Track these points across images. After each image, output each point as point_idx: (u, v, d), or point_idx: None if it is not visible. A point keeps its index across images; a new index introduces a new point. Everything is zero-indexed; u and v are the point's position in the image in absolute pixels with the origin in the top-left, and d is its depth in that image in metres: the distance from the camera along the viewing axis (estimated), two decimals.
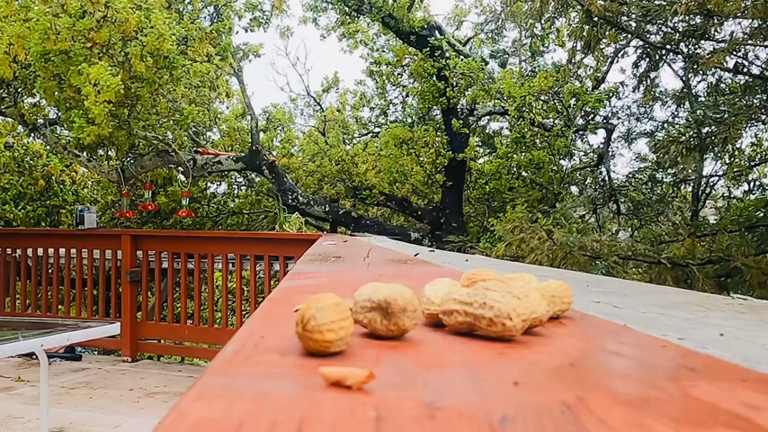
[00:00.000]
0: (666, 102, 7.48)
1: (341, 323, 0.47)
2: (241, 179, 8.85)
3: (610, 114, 8.02)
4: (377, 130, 9.69)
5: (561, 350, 0.51)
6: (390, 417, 0.33)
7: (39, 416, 2.77)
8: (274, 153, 8.36)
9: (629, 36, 6.12)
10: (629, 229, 7.54)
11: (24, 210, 7.43)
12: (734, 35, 5.13)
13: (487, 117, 8.75)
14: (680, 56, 6.12)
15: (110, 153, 7.26)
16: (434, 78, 7.33)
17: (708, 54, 4.87)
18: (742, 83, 5.61)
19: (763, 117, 5.01)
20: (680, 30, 5.32)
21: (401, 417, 0.33)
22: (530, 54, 8.94)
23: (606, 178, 7.82)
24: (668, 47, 5.77)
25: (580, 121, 7.49)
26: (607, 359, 0.50)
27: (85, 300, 5.90)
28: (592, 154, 8.36)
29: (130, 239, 5.07)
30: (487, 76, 7.70)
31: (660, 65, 6.64)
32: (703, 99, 6.49)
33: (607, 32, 5.55)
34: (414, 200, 7.71)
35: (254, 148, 7.04)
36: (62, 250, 5.52)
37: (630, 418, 0.33)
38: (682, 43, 5.57)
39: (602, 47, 6.11)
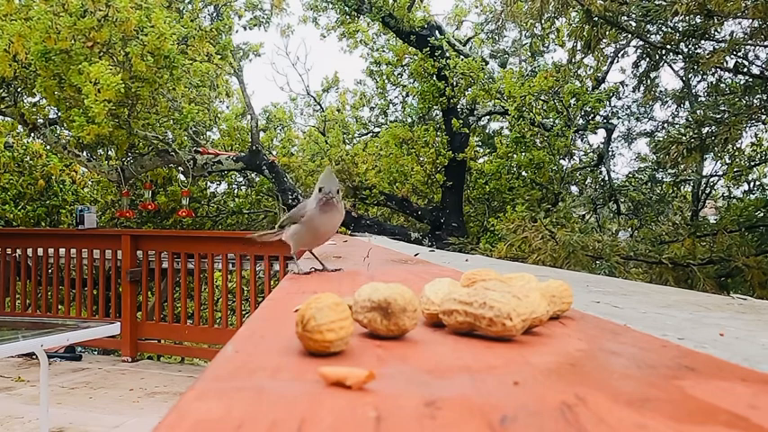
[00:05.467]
0: (666, 102, 7.48)
1: (341, 323, 0.47)
2: (241, 179, 8.85)
3: (610, 114, 8.02)
4: (377, 129, 9.68)
5: (561, 350, 0.51)
6: (390, 417, 0.33)
7: (39, 416, 2.77)
8: (274, 153, 8.36)
9: (629, 36, 6.12)
10: (630, 229, 7.54)
11: (24, 210, 7.43)
12: (734, 35, 5.13)
13: (487, 117, 8.74)
14: (680, 56, 6.12)
15: (110, 153, 7.26)
16: (434, 78, 7.32)
17: (708, 54, 4.87)
18: (742, 83, 5.61)
19: (763, 117, 5.00)
20: (680, 30, 5.32)
21: (401, 417, 0.33)
22: (530, 54, 8.93)
23: (606, 178, 7.82)
24: (668, 47, 5.76)
25: (580, 121, 7.49)
26: (607, 359, 0.50)
27: (85, 300, 5.90)
28: (592, 154, 8.36)
29: (130, 239, 5.07)
30: (487, 76, 7.69)
31: (660, 65, 6.64)
32: (703, 99, 6.49)
33: (607, 32, 5.55)
34: (414, 200, 7.70)
35: (254, 147, 7.04)
36: (62, 250, 5.52)
37: (630, 418, 0.33)
38: (682, 43, 5.56)
39: (602, 47, 6.11)
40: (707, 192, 7.89)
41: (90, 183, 8.63)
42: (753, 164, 7.22)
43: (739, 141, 5.86)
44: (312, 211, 1.27)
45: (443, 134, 7.54)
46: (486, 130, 9.18)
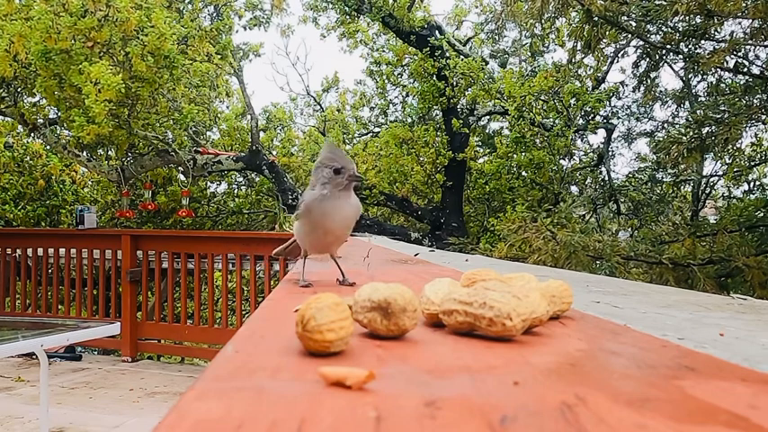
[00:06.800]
0: (666, 102, 7.48)
1: (341, 323, 0.47)
2: (241, 179, 8.85)
3: (610, 114, 8.02)
4: (377, 129, 9.69)
5: (561, 350, 0.51)
6: (390, 417, 0.33)
7: (39, 416, 2.77)
8: (274, 153, 8.36)
9: (630, 36, 6.12)
10: (630, 229, 7.54)
11: (24, 210, 7.43)
12: (734, 35, 5.13)
13: (487, 117, 8.74)
14: (680, 56, 6.12)
15: (110, 153, 7.27)
16: (434, 78, 7.33)
17: (708, 54, 4.87)
18: (742, 83, 5.61)
19: (763, 117, 5.00)
20: (680, 30, 5.32)
21: (401, 417, 0.33)
22: (530, 54, 8.93)
23: (606, 178, 7.82)
24: (668, 47, 5.77)
25: (580, 121, 7.49)
26: (607, 359, 0.50)
27: (85, 300, 5.90)
28: (592, 154, 8.36)
29: (130, 239, 5.07)
30: (487, 76, 7.70)
31: (660, 65, 6.64)
32: (703, 99, 6.49)
33: (607, 32, 5.55)
34: (414, 200, 7.71)
35: (254, 147, 7.04)
36: (62, 250, 5.52)
37: (630, 418, 0.33)
38: (682, 43, 5.57)
39: (602, 47, 6.11)
40: (707, 192, 7.89)
41: (90, 183, 8.63)
42: (753, 164, 7.23)
43: (739, 141, 5.87)
44: (312, 198, 0.95)
45: (443, 134, 7.54)
46: (486, 130, 9.19)
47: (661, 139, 5.73)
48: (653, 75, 6.74)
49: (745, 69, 5.49)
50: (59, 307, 5.70)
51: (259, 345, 0.52)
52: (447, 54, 7.36)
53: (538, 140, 7.31)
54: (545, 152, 7.11)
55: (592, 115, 7.69)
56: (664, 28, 5.57)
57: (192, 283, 6.19)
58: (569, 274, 1.89)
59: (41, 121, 6.45)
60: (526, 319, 0.53)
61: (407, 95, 9.10)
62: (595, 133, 8.05)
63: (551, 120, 7.46)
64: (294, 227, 1.04)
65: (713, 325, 0.76)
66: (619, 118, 8.14)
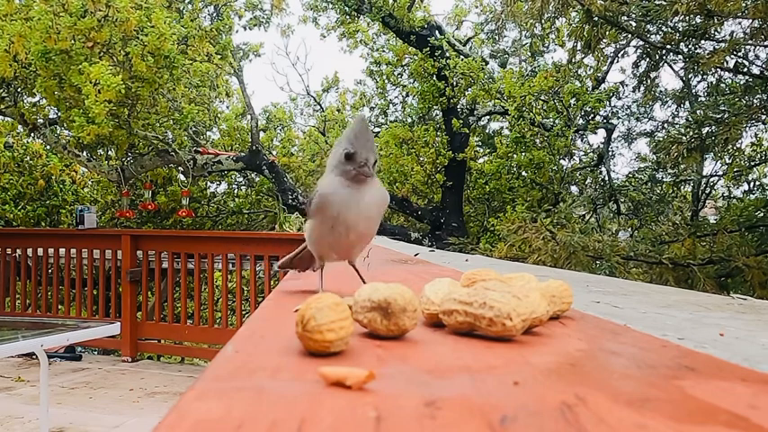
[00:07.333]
0: (666, 102, 7.48)
1: (341, 323, 0.47)
2: (241, 179, 8.85)
3: (610, 114, 8.02)
4: (377, 129, 9.68)
5: (561, 350, 0.51)
6: (390, 417, 0.33)
7: (39, 416, 2.77)
8: (274, 153, 8.36)
9: (630, 36, 6.12)
10: (630, 229, 7.54)
11: (24, 210, 7.43)
12: (734, 35, 5.13)
13: (487, 117, 8.74)
14: (680, 56, 6.12)
15: (110, 153, 7.27)
16: (434, 78, 7.33)
17: (708, 54, 4.87)
18: (742, 83, 5.61)
19: (763, 117, 5.00)
20: (680, 30, 5.32)
21: (401, 417, 0.33)
22: (530, 54, 8.93)
23: (606, 178, 7.82)
24: (668, 47, 5.77)
25: (580, 121, 7.49)
26: (607, 359, 0.50)
27: (85, 300, 5.90)
28: (592, 154, 8.36)
29: (130, 239, 5.06)
30: (487, 76, 7.70)
31: (660, 65, 6.64)
32: (703, 99, 6.49)
33: (607, 32, 5.55)
34: (414, 200, 7.70)
35: (254, 147, 7.04)
36: (62, 250, 5.52)
37: (630, 418, 0.33)
38: (682, 43, 5.57)
39: (602, 47, 6.11)
40: (707, 192, 7.89)
41: (90, 183, 8.63)
42: (753, 164, 7.23)
43: (739, 141, 5.87)
44: (328, 186, 0.79)
45: (443, 134, 7.54)
46: (486, 130, 9.18)
47: (661, 139, 5.73)
48: (653, 75, 6.74)
49: (745, 69, 5.49)
50: (59, 307, 5.70)
51: (259, 345, 0.52)
52: (447, 54, 7.36)
53: (538, 140, 7.31)
54: (545, 152, 7.11)
55: (592, 115, 7.69)
56: (664, 28, 5.57)
57: (192, 283, 6.19)
58: (569, 274, 1.89)
59: (41, 121, 6.45)
60: (526, 319, 0.53)
61: (407, 95, 9.10)
62: (595, 133, 8.06)
63: (551, 120, 7.46)
64: (306, 229, 0.87)
65: (713, 325, 0.76)
66: (619, 118, 8.14)
